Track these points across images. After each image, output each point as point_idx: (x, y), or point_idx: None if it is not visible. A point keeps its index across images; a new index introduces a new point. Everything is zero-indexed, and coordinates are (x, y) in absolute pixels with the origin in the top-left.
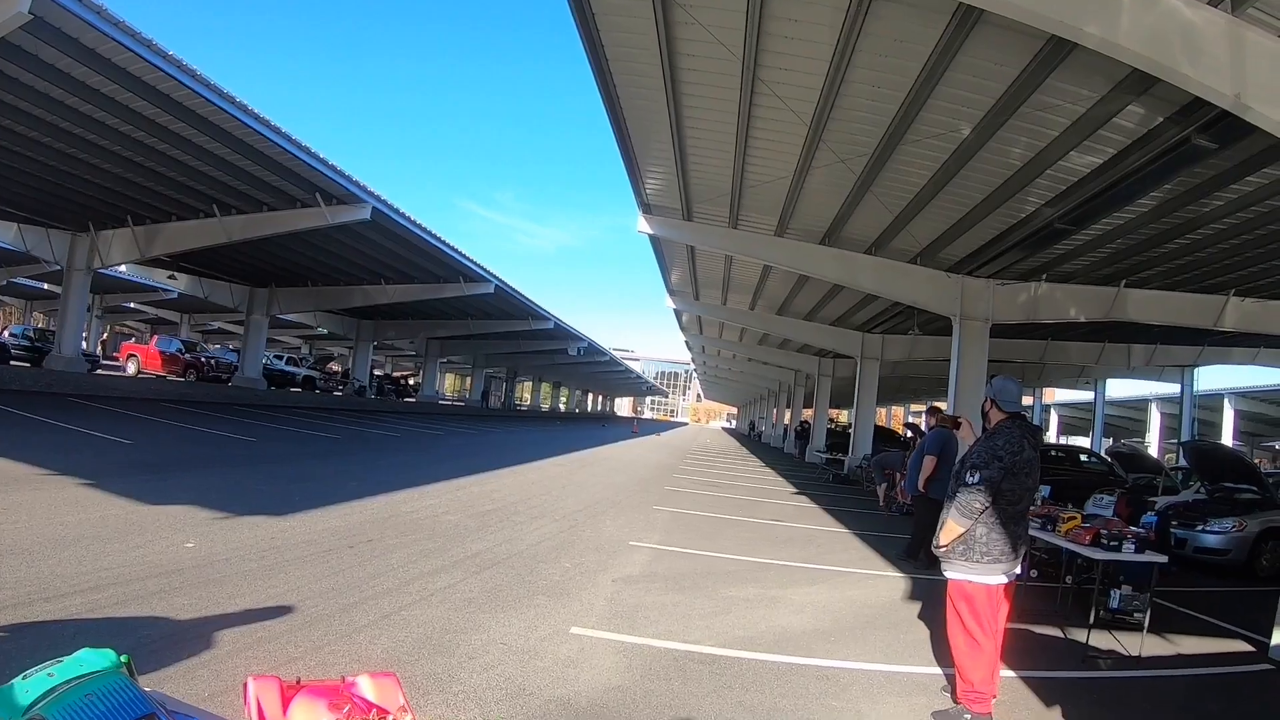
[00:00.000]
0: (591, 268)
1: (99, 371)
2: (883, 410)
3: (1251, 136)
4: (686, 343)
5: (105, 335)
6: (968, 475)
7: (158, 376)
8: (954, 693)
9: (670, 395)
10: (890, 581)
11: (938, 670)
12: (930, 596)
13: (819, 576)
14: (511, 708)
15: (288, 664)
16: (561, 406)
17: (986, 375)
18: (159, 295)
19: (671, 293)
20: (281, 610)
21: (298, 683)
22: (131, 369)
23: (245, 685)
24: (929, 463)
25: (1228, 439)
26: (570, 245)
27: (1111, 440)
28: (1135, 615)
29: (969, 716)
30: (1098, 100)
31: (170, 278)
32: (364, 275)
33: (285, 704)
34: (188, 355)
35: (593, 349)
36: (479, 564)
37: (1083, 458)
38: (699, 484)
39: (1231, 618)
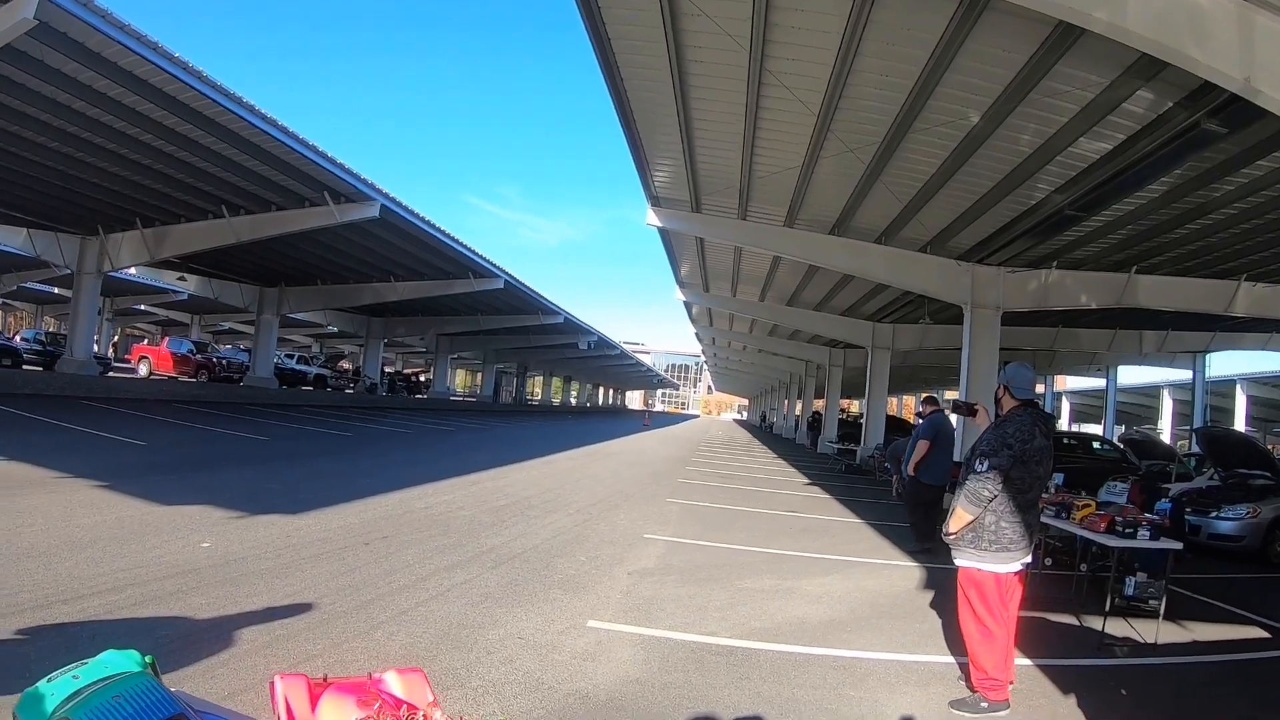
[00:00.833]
0: (597, 262)
1: (111, 374)
2: (894, 400)
3: (1262, 120)
4: (697, 335)
5: (116, 338)
6: (976, 463)
7: (170, 378)
8: (969, 681)
9: (681, 388)
10: (905, 571)
11: (953, 659)
12: (945, 586)
13: (834, 567)
14: (530, 701)
15: (307, 661)
16: (573, 401)
17: (999, 363)
18: (169, 297)
19: (681, 285)
20: (299, 608)
21: (325, 680)
22: (143, 371)
23: (272, 684)
24: (921, 446)
25: (1240, 425)
26: (575, 239)
27: (1124, 428)
28: (1151, 603)
29: (986, 704)
30: (1107, 86)
31: (180, 279)
32: (373, 273)
33: (313, 702)
34: (199, 356)
35: (603, 343)
36: (494, 559)
37: (1096, 445)
38: (711, 476)
39: (1246, 604)
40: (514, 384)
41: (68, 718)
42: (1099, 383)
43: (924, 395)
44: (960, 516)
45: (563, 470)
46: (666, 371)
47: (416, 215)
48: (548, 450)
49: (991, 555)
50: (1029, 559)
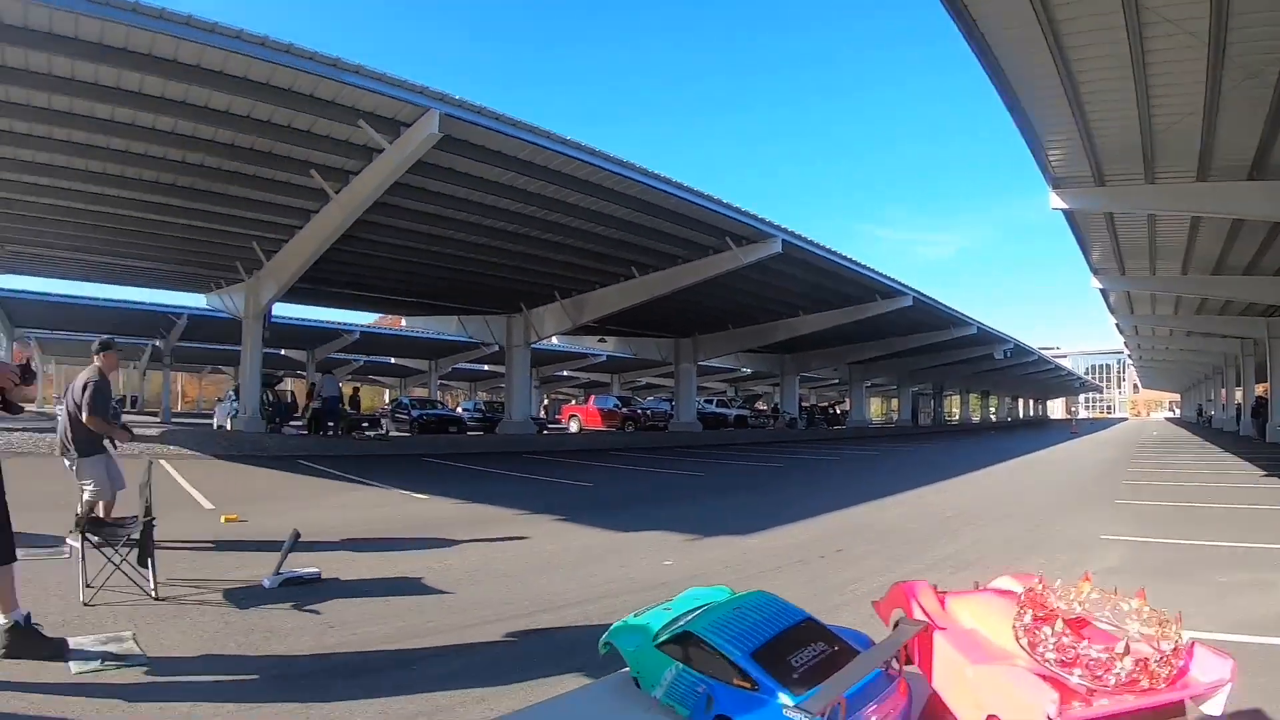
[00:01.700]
0: (996, 267)
1: (545, 432)
2: None
3: None
4: (1117, 325)
5: (546, 401)
6: None
7: (598, 431)
8: None
9: (1105, 390)
10: None
11: None
12: None
13: None
14: None
15: None
16: (992, 416)
17: None
18: (589, 360)
19: (1095, 272)
20: None
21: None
22: (574, 428)
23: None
24: None
25: None
26: (969, 247)
27: None
28: None
29: None
30: None
31: (600, 341)
32: (781, 309)
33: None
34: (625, 409)
35: (1020, 349)
36: (955, 564)
37: None
38: (1155, 475)
39: None
40: (930, 404)
41: (689, 630)
42: None
43: None
44: None
45: (1000, 480)
46: (1086, 374)
47: (816, 245)
48: (979, 464)
49: None
50: None
